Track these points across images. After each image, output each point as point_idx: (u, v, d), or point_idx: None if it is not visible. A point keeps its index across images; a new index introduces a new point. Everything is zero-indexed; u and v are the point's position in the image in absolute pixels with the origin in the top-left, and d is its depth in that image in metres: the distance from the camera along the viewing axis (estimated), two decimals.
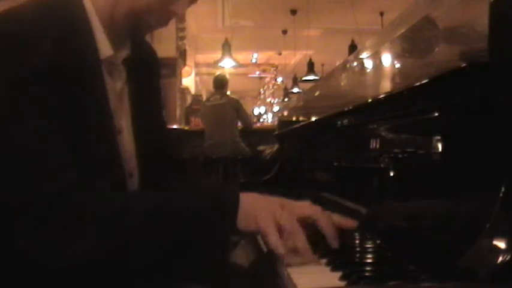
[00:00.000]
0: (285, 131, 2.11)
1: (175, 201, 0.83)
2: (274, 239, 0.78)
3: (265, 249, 0.85)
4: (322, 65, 10.72)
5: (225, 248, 0.79)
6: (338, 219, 0.89)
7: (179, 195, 0.86)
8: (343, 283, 0.64)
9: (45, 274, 0.81)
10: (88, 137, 0.88)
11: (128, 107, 1.02)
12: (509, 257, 0.55)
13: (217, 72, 6.81)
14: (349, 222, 0.91)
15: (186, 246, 0.78)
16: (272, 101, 15.79)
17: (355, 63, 1.52)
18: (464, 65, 0.67)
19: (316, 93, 2.09)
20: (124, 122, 1.00)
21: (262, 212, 0.81)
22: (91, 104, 0.89)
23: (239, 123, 5.59)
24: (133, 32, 1.00)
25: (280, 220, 0.80)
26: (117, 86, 0.99)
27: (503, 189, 0.59)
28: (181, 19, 1.00)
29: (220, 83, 5.51)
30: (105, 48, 0.94)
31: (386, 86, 1.19)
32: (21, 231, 0.78)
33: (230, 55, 7.87)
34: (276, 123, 6.43)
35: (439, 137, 0.79)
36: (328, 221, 0.84)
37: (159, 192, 0.87)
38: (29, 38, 0.83)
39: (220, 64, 8.07)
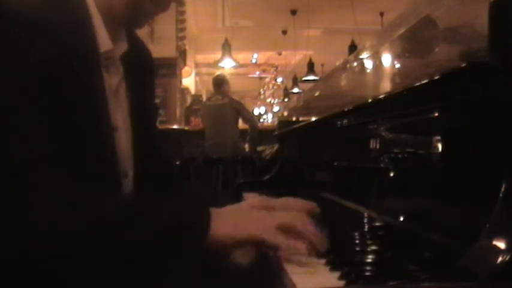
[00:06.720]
0: (285, 131, 2.11)
1: (140, 209, 0.77)
2: (271, 234, 0.75)
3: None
4: (322, 65, 10.71)
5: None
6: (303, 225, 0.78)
7: (151, 208, 0.79)
8: (342, 283, 0.64)
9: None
10: (83, 133, 0.84)
11: (124, 104, 0.98)
12: (509, 257, 0.55)
13: (217, 72, 6.79)
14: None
15: (144, 258, 0.74)
16: (272, 101, 15.79)
17: (355, 63, 1.52)
18: (464, 65, 0.67)
19: (316, 93, 2.09)
20: (120, 120, 0.95)
21: (254, 220, 0.78)
22: (87, 99, 0.85)
23: (239, 124, 5.56)
24: (133, 23, 0.95)
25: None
26: (113, 82, 0.95)
27: (503, 189, 0.59)
28: (181, 2, 0.96)
29: (216, 82, 5.44)
30: (104, 41, 0.89)
31: (386, 86, 1.19)
32: None
33: (230, 55, 7.86)
34: (276, 123, 6.42)
35: (439, 137, 0.79)
36: (306, 226, 0.77)
37: (130, 197, 0.82)
38: (29, 28, 0.78)
39: (220, 64, 8.06)
